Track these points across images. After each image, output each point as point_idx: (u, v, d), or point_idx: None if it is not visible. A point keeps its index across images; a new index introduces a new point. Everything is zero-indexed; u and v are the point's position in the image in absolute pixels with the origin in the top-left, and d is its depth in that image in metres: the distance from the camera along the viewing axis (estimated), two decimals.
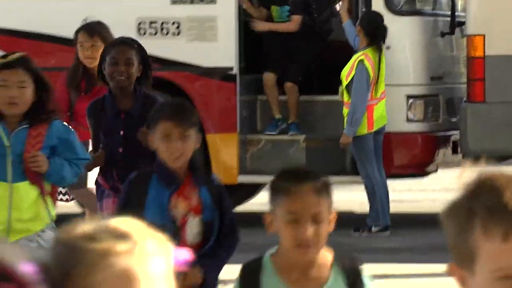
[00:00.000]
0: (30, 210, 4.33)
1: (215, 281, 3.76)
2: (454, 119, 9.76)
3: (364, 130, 8.88)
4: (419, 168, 10.00)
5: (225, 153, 9.22)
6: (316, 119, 9.61)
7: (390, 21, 9.27)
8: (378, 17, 9.26)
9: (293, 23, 9.22)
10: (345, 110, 8.85)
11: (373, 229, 8.81)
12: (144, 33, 8.92)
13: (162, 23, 9.19)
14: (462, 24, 9.69)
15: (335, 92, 9.12)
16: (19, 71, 4.24)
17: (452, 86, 10.11)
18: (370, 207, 9.08)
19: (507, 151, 9.76)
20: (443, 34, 9.90)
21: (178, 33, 9.15)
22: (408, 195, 11.10)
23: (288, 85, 8.88)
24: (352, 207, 10.28)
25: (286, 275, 2.79)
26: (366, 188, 9.18)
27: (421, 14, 10.08)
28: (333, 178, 8.90)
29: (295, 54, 9.24)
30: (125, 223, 1.07)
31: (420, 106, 9.64)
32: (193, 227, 3.67)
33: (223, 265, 3.77)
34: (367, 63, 8.81)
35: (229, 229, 3.76)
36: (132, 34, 7.98)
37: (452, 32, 9.76)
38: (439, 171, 10.34)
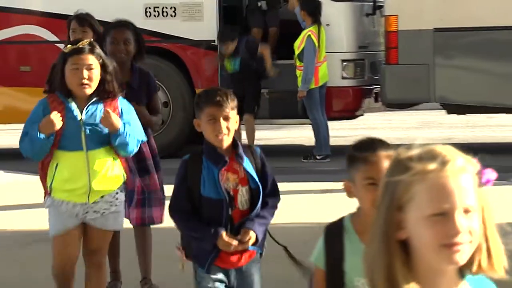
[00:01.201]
0: (106, 173, 4.51)
1: (264, 239, 3.87)
2: (376, 77, 11.65)
3: (312, 85, 10.56)
4: (350, 112, 12.19)
5: None
6: (277, 77, 11.28)
7: (330, 5, 11.24)
8: (315, 1, 11.02)
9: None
10: (298, 72, 10.59)
11: (318, 157, 10.47)
12: (150, 16, 10.78)
13: (163, 8, 10.97)
14: (381, 7, 11.63)
15: (291, 58, 10.96)
16: (89, 55, 4.41)
17: (374, 52, 11.99)
18: (316, 141, 10.75)
19: (413, 100, 11.91)
20: (367, 15, 11.94)
21: (175, 15, 10.95)
22: (343, 132, 12.50)
23: (245, 116, 10.03)
24: (302, 142, 12.37)
25: (365, 235, 2.92)
26: (313, 127, 10.89)
27: (352, 0, 11.93)
28: (289, 120, 11.19)
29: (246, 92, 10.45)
30: (441, 147, 1.38)
31: (351, 67, 11.56)
32: (243, 196, 3.81)
33: (269, 223, 3.91)
34: (313, 37, 10.55)
35: (271, 192, 3.89)
36: (140, 16, 10.20)
37: (374, 13, 11.86)
38: (365, 114, 12.70)
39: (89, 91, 4.41)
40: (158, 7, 10.94)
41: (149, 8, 10.87)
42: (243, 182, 3.80)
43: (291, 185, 8.67)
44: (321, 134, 10.75)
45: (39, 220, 6.69)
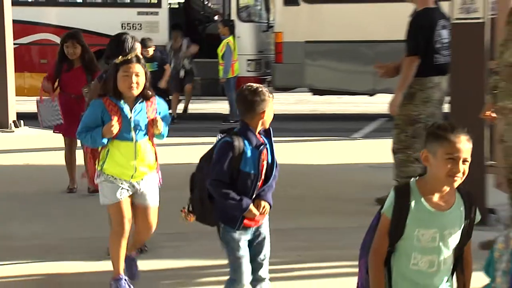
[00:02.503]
0: (147, 159, 4.58)
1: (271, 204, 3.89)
2: (268, 71, 13.93)
3: (229, 75, 12.72)
4: None
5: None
6: (207, 70, 13.42)
7: (240, 24, 13.45)
8: (229, 21, 13.02)
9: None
10: (220, 67, 12.78)
11: (231, 121, 11.81)
12: (124, 28, 12.84)
13: (133, 24, 13.46)
14: (272, 27, 14.02)
15: (215, 57, 13.03)
16: (136, 64, 4.48)
17: (268, 55, 14.11)
18: (230, 111, 12.80)
19: (292, 85, 14.09)
20: (263, 31, 14.28)
21: (141, 28, 13.35)
22: None
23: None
24: (222, 111, 14.22)
25: (429, 198, 3.04)
26: (229, 102, 12.93)
27: (254, 21, 14.27)
28: (214, 97, 14.84)
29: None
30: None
31: (253, 64, 13.73)
32: (265, 170, 3.89)
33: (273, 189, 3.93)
34: (230, 44, 12.69)
35: (275, 164, 3.92)
36: (118, 29, 11.63)
37: (267, 30, 14.29)
38: None
39: (136, 92, 4.52)
40: (130, 23, 13.47)
41: (124, 23, 13.39)
42: (266, 158, 3.86)
43: (214, 139, 7.97)
44: (233, 106, 12.39)
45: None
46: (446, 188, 3.01)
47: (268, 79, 13.72)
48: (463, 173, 2.94)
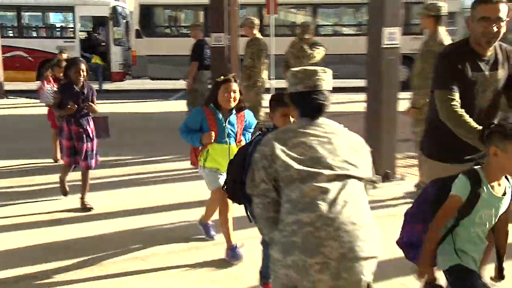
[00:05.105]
0: (229, 157, 5.06)
1: None
2: (130, 69, 23.11)
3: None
4: (120, 78, 22.99)
5: None
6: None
7: (114, 47, 22.50)
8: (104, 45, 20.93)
9: None
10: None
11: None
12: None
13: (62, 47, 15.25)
14: (130, 48, 22.71)
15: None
16: (233, 83, 5.18)
17: (129, 61, 22.26)
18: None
19: (142, 75, 21.96)
20: (126, 50, 23.53)
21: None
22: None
23: None
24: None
25: (492, 185, 3.39)
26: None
27: (121, 46, 23.30)
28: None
29: None
30: None
31: (122, 66, 22.95)
32: None
33: None
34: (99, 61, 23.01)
35: None
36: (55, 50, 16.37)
37: (128, 49, 23.16)
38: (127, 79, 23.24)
39: (232, 105, 5.19)
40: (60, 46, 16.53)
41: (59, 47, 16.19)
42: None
43: None
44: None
45: None
46: (503, 177, 3.42)
47: (129, 73, 23.09)
48: None
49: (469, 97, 4.22)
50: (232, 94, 5.28)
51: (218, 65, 12.59)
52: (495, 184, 3.42)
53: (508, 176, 3.47)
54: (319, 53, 11.10)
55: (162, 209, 7.38)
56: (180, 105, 15.05)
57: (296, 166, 3.20)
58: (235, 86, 5.30)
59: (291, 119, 4.03)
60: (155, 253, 5.93)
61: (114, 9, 23.23)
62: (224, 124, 5.40)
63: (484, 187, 3.36)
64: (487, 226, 3.53)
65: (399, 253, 3.96)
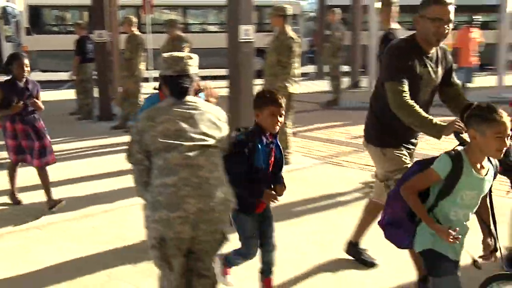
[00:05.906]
0: None
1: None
2: None
3: None
4: None
5: None
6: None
7: (6, 44, 23.36)
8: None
9: None
10: None
11: None
12: None
13: None
14: (21, 43, 22.26)
15: None
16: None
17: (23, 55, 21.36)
18: None
19: (43, 69, 22.57)
20: (18, 45, 22.95)
21: None
22: None
23: None
24: None
25: (475, 166, 3.27)
26: None
27: (13, 42, 23.98)
28: None
29: None
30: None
31: None
32: (275, 163, 4.16)
33: None
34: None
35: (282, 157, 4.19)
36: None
37: (19, 45, 23.14)
38: None
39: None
40: None
41: None
42: (275, 153, 4.17)
43: None
44: None
45: None
46: (485, 158, 3.28)
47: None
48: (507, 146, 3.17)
49: (414, 92, 4.31)
50: (280, 118, 4.20)
51: (101, 59, 13.83)
52: (478, 165, 3.34)
53: (491, 158, 3.38)
54: (187, 49, 11.79)
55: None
56: (70, 94, 15.88)
57: (161, 139, 3.41)
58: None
59: (280, 119, 4.02)
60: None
61: (4, 9, 24.45)
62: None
63: (466, 168, 3.26)
64: (469, 209, 3.41)
65: (396, 254, 4.12)
